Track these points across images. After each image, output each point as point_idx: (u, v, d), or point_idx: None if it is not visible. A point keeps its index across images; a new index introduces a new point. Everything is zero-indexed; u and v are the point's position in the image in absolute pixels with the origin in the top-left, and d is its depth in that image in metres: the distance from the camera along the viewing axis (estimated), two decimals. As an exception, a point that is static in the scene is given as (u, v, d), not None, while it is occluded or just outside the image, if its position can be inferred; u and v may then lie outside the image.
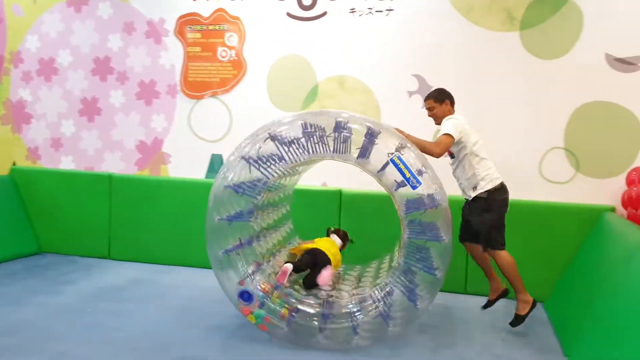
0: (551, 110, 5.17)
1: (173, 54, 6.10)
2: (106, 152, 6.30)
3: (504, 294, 4.36)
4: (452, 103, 4.30)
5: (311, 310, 3.74)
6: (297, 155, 3.69)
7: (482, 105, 5.29)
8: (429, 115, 4.33)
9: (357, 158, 3.63)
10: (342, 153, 3.64)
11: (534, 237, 5.04)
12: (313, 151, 3.67)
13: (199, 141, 6.06)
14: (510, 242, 4.31)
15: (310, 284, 3.89)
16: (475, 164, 4.10)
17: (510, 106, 5.27)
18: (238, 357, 3.55)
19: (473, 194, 4.13)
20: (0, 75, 6.50)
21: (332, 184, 5.65)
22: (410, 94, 5.49)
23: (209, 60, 6.00)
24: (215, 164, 6.00)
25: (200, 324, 4.09)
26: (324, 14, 5.65)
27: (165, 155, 6.17)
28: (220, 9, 5.88)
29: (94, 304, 4.45)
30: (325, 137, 3.64)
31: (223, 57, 5.96)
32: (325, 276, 3.85)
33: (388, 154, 3.56)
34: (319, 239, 4.27)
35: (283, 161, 3.69)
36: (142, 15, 6.13)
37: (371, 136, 3.60)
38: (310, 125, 3.66)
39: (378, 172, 3.61)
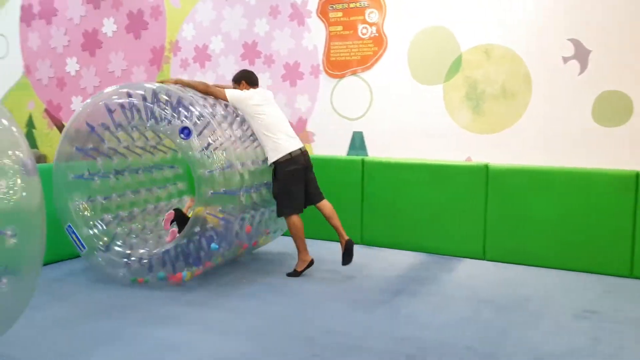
0: None
1: (315, 34, 6.20)
2: (254, 132, 6.61)
3: (348, 245, 4.57)
4: (250, 82, 4.88)
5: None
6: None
7: (651, 69, 4.73)
8: None
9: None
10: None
11: None
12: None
13: (340, 119, 6.12)
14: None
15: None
16: (264, 138, 4.63)
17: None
18: None
19: (268, 163, 4.68)
20: (162, 64, 7.09)
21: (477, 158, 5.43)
22: (565, 60, 5.05)
23: (349, 38, 6.02)
24: (357, 141, 6.02)
25: None
26: (468, -19, 5.40)
27: (309, 134, 6.32)
28: (360, -15, 5.88)
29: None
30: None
31: (364, 34, 5.94)
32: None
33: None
34: None
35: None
36: (286, -2, 6.32)
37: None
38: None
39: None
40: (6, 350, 3.19)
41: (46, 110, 8.07)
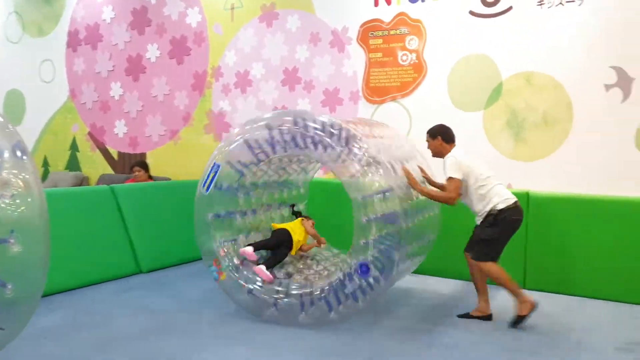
0: None
1: (355, 61, 6.30)
2: (293, 156, 6.70)
3: (485, 319, 4.29)
4: (447, 140, 4.36)
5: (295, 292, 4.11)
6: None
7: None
8: (427, 147, 4.50)
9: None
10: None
11: None
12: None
13: (379, 144, 6.17)
14: None
15: (269, 264, 4.30)
16: (483, 195, 4.18)
17: None
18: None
19: (482, 218, 4.22)
20: (204, 89, 7.27)
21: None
22: (608, 87, 5.04)
23: (389, 65, 6.11)
24: (396, 166, 6.06)
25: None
26: (509, 8, 5.44)
27: (347, 159, 6.37)
28: (401, 13, 5.96)
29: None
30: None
31: (404, 61, 6.02)
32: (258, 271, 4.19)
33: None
34: (292, 222, 4.75)
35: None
36: (327, 25, 6.44)
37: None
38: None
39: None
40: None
41: (89, 133, 8.31)
